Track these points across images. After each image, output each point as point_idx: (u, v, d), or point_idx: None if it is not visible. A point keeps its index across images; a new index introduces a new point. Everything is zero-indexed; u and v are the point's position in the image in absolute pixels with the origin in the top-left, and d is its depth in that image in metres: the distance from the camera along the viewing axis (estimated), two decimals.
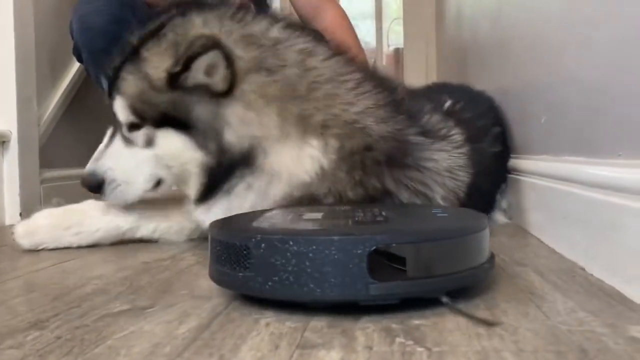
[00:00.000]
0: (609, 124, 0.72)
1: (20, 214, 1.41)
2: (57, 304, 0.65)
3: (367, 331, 0.51)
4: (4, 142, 1.40)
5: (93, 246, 1.02)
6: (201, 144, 0.90)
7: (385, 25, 4.15)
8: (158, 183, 0.98)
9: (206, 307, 0.61)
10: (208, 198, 0.93)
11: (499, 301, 0.60)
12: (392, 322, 0.54)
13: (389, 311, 0.56)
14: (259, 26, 0.95)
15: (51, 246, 1.01)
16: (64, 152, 1.65)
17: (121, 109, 0.95)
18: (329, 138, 0.90)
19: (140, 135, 0.94)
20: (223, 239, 0.63)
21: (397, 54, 3.97)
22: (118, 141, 0.98)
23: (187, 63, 0.87)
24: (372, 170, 0.90)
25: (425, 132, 0.98)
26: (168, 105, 0.90)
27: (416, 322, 0.54)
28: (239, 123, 0.90)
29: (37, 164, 1.50)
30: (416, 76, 3.32)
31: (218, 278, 0.65)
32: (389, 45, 4.22)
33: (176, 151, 0.92)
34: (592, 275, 0.69)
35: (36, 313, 0.61)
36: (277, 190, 0.90)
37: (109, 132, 1.00)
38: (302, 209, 0.76)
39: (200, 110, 0.89)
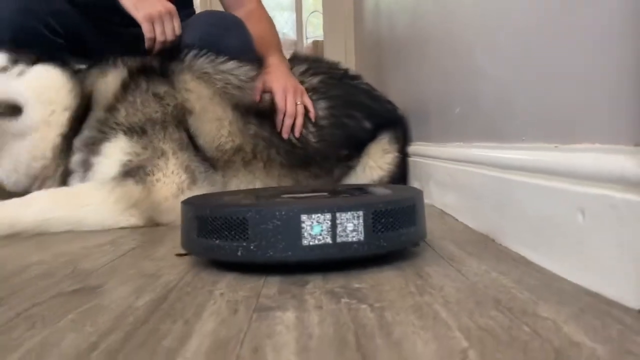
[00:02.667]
0: (514, 112, 0.83)
1: None
2: (4, 286, 0.65)
3: (314, 295, 0.57)
4: None
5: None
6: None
7: (303, 17, 4.22)
8: None
9: (159, 284, 0.65)
10: None
11: (424, 266, 0.68)
12: (335, 286, 0.60)
13: (331, 278, 0.63)
14: None
15: None
16: None
17: None
18: None
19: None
20: (218, 214, 0.67)
21: (316, 46, 4.06)
22: None
23: None
24: None
25: None
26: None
27: (356, 285, 0.60)
28: None
29: None
30: None
31: (205, 251, 0.69)
32: (306, 38, 4.30)
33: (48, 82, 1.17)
34: (501, 245, 0.80)
35: None
36: None
37: None
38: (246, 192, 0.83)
39: None
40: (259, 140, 1.28)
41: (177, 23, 1.31)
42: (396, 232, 0.69)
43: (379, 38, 2.27)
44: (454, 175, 1.09)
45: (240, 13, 1.53)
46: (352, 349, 0.43)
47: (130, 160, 1.12)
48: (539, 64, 0.73)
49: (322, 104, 1.39)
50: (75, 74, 1.22)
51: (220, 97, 1.26)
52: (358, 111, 1.43)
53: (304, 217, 0.64)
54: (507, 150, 0.82)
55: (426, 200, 1.30)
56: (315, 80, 1.44)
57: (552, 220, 0.64)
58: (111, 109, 1.18)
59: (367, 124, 1.43)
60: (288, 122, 1.30)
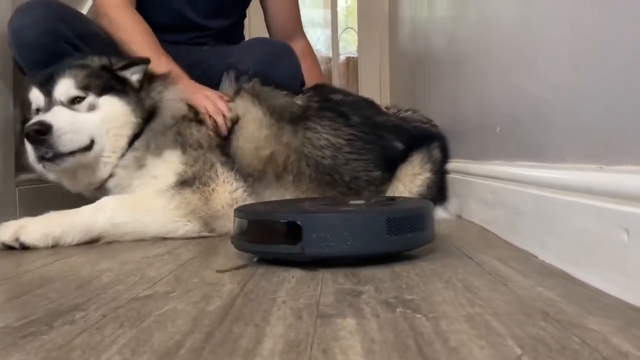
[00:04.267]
0: (556, 132, 0.86)
1: None
2: (84, 291, 0.72)
3: (370, 304, 0.62)
4: None
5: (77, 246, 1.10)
6: (133, 108, 1.25)
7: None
8: (91, 144, 1.22)
9: (223, 291, 0.70)
10: None
11: (472, 280, 0.71)
12: (388, 297, 0.64)
13: (383, 290, 0.67)
14: None
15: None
16: None
17: (65, 88, 1.22)
18: None
19: (83, 105, 1.22)
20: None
21: (349, 62, 4.13)
22: (59, 107, 1.21)
23: (125, 66, 1.28)
24: None
25: None
26: (108, 78, 1.26)
27: (408, 297, 0.64)
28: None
29: (13, 166, 1.51)
30: (371, 84, 3.48)
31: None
32: (339, 54, 4.37)
33: (116, 113, 1.24)
34: (544, 261, 0.83)
35: (69, 299, 0.68)
36: None
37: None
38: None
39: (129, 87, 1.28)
40: (291, 151, 1.33)
41: (226, 111, 1.36)
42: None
43: (414, 56, 2.32)
44: (495, 192, 1.12)
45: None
46: (414, 353, 0.47)
47: (185, 171, 1.20)
48: (580, 84, 0.77)
49: (354, 120, 1.43)
50: (138, 94, 1.28)
51: (259, 102, 1.35)
52: (388, 132, 1.46)
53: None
54: (550, 170, 0.85)
55: (466, 217, 1.34)
56: (348, 99, 1.49)
57: (597, 238, 0.67)
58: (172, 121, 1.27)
59: (398, 144, 1.45)
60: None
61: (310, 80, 1.56)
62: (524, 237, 0.94)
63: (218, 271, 0.82)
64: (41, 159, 1.19)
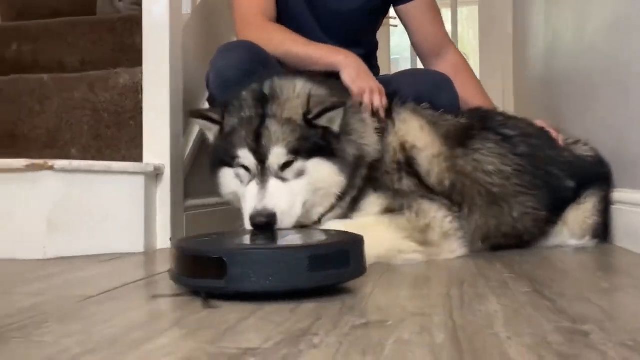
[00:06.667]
0: None
1: (170, 239, 1.56)
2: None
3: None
4: (158, 174, 1.57)
5: None
6: (341, 168, 1.20)
7: None
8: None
9: (438, 323, 0.72)
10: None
11: None
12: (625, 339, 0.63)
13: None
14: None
15: None
16: (201, 184, 1.82)
17: (278, 154, 1.16)
18: None
19: (293, 169, 1.17)
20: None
21: None
22: (273, 181, 1.16)
23: (320, 113, 1.18)
24: None
25: None
26: (316, 137, 1.18)
27: None
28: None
29: (182, 193, 1.66)
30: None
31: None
32: None
33: (323, 175, 1.19)
34: None
35: None
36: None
37: (254, 182, 1.17)
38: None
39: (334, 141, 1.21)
40: (464, 178, 1.31)
41: (384, 100, 1.39)
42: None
43: (553, 79, 2.23)
44: None
45: (443, 66, 1.61)
46: None
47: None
48: None
49: (521, 149, 1.38)
50: (345, 156, 1.22)
51: (429, 126, 1.34)
52: (560, 169, 1.38)
53: None
54: None
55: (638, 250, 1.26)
56: (514, 123, 1.44)
57: None
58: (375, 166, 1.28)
59: (570, 183, 1.37)
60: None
61: (468, 97, 1.53)
62: None
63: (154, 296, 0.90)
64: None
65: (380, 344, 0.63)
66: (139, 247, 1.47)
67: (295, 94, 1.23)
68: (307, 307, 0.81)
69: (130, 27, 1.89)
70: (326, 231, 1.02)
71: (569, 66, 1.97)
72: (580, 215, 1.37)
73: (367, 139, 1.27)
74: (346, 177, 1.21)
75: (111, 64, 1.84)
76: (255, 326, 0.72)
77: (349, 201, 1.25)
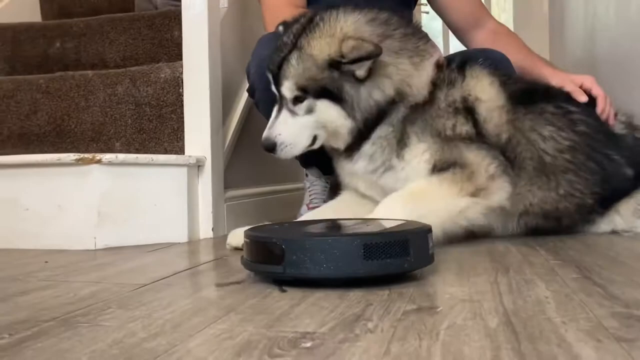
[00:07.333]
0: None
1: (213, 229, 1.60)
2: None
3: None
4: (199, 166, 1.60)
5: None
6: (348, 112, 1.22)
7: None
8: (314, 141, 1.28)
9: (490, 308, 0.73)
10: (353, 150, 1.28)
11: None
12: None
13: None
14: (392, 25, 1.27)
15: None
16: (239, 175, 1.85)
17: (288, 88, 1.23)
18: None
19: (302, 106, 1.23)
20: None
21: None
22: (284, 113, 1.25)
23: (354, 60, 1.17)
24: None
25: None
26: (327, 80, 1.20)
27: None
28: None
29: (223, 184, 1.69)
30: None
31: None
32: None
33: (330, 117, 1.23)
34: None
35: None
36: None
37: (275, 109, 1.28)
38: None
39: (348, 87, 1.21)
40: (521, 135, 1.28)
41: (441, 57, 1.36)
42: None
43: (594, 61, 2.18)
44: None
45: (483, 34, 1.59)
46: None
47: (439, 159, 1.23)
48: None
49: (580, 128, 1.33)
50: (357, 101, 1.22)
51: (499, 84, 1.32)
52: (618, 154, 1.33)
53: None
54: None
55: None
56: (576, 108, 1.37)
57: None
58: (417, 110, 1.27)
59: (628, 171, 1.32)
60: (609, 108, 1.36)
61: (528, 57, 1.52)
62: None
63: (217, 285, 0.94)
64: None
65: (435, 328, 0.64)
66: (183, 237, 1.51)
67: (331, 31, 1.22)
68: (356, 294, 0.82)
69: (168, 22, 1.93)
70: (394, 221, 1.03)
71: (610, 48, 1.92)
72: (632, 205, 1.33)
73: (413, 80, 1.26)
74: (354, 121, 1.23)
75: (151, 59, 1.89)
76: (308, 311, 0.74)
77: (388, 137, 1.26)
